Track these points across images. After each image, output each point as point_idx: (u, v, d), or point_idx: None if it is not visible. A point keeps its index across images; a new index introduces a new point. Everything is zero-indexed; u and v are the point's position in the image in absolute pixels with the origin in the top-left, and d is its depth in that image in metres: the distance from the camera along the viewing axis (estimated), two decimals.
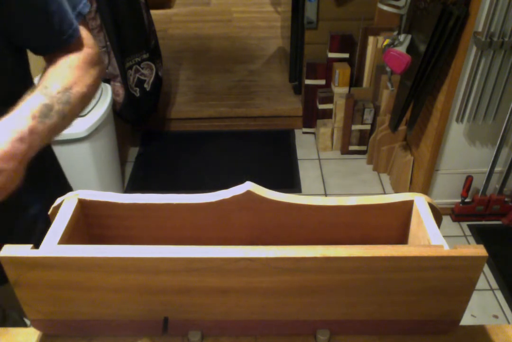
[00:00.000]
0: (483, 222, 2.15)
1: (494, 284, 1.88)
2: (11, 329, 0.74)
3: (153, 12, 2.44)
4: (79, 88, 0.76)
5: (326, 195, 2.33)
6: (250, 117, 2.77)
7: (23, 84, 0.80)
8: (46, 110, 0.70)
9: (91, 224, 0.74)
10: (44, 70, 0.78)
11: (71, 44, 0.78)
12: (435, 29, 1.66)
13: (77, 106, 0.76)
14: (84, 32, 0.81)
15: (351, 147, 2.56)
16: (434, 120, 1.90)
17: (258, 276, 0.64)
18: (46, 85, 0.73)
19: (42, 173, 0.92)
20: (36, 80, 0.81)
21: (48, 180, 0.95)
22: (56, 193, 0.76)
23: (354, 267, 0.62)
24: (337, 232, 0.76)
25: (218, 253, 0.62)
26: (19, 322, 1.15)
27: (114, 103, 2.20)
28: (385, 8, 1.75)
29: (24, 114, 0.67)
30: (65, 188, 1.02)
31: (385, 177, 2.44)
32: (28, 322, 1.06)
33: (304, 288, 0.65)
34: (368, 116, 2.40)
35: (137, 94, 2.35)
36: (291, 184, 2.40)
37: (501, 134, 1.87)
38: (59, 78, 0.75)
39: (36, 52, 0.81)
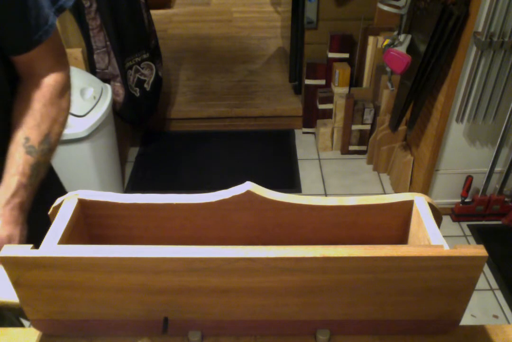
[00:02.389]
0: (483, 222, 2.15)
1: (494, 284, 1.88)
2: (11, 329, 0.74)
3: (153, 12, 2.44)
4: (56, 130, 0.81)
5: (326, 195, 2.33)
6: (250, 117, 2.77)
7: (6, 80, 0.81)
8: (35, 170, 0.76)
9: (91, 224, 0.74)
10: (19, 95, 0.79)
11: (44, 63, 0.79)
12: (435, 29, 1.66)
13: (56, 144, 0.82)
14: (56, 43, 0.81)
15: (351, 147, 2.56)
16: (434, 120, 1.90)
17: (258, 276, 0.64)
18: (27, 137, 0.76)
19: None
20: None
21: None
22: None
23: (354, 267, 0.62)
24: (337, 232, 0.76)
25: (218, 253, 0.61)
26: (15, 323, 1.15)
27: (114, 103, 2.19)
28: (385, 8, 1.75)
29: (16, 181, 0.73)
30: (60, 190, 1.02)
31: (385, 177, 2.44)
32: (25, 322, 1.06)
33: (304, 288, 0.65)
34: (368, 116, 2.40)
35: (137, 94, 2.35)
36: (291, 184, 2.40)
37: (501, 134, 1.87)
38: (35, 125, 0.78)
39: (8, 51, 0.79)
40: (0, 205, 0.71)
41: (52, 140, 0.80)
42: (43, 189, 0.93)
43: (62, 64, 0.82)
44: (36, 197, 0.87)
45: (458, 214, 2.13)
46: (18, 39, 0.77)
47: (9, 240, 0.70)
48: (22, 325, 1.08)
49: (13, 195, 0.72)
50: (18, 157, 0.75)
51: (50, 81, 0.81)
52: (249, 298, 0.67)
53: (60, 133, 0.82)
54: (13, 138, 0.77)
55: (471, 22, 1.61)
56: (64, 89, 0.83)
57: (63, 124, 0.84)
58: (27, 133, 0.77)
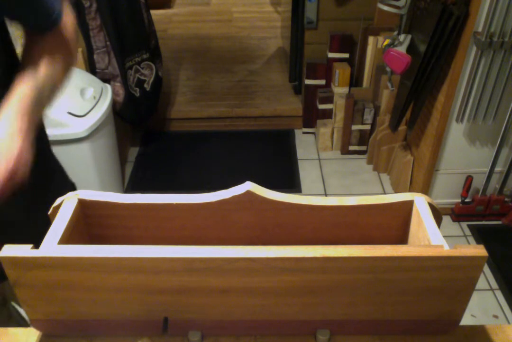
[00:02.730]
0: (483, 222, 2.15)
1: (494, 284, 1.88)
2: (11, 329, 0.74)
3: (153, 12, 2.44)
4: (63, 64, 0.81)
5: (326, 195, 2.33)
6: (250, 117, 2.77)
7: (4, 53, 0.82)
8: (41, 91, 0.75)
9: (91, 224, 0.74)
10: (26, 46, 0.80)
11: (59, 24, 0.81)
12: (435, 29, 1.66)
13: (61, 79, 0.82)
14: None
15: (351, 147, 2.56)
16: (434, 120, 1.90)
17: (258, 276, 0.64)
18: (35, 66, 0.77)
19: (47, 175, 0.93)
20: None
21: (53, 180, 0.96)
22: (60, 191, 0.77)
23: (354, 267, 0.62)
24: (337, 232, 0.76)
25: (218, 253, 0.62)
26: (21, 323, 1.16)
27: (114, 103, 2.19)
28: (385, 8, 1.75)
29: (21, 98, 0.72)
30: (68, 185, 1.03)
31: (385, 177, 2.44)
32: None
33: (304, 288, 0.65)
34: (368, 116, 2.40)
35: (137, 94, 2.35)
36: (291, 184, 2.40)
37: (501, 134, 1.87)
38: (43, 60, 0.78)
39: (33, 31, 0.81)
40: (13, 112, 0.70)
41: (57, 71, 0.80)
42: (47, 178, 0.93)
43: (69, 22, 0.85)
44: (40, 186, 0.87)
45: (458, 214, 2.13)
46: (42, 18, 0.79)
47: (11, 136, 0.68)
48: (27, 324, 1.08)
49: (22, 103, 0.72)
50: (26, 77, 0.75)
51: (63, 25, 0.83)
52: (249, 298, 0.67)
53: (66, 68, 0.83)
54: (22, 66, 0.78)
55: (471, 22, 1.61)
56: (73, 36, 0.85)
57: (70, 63, 0.85)
58: (35, 65, 0.78)
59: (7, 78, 0.77)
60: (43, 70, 0.77)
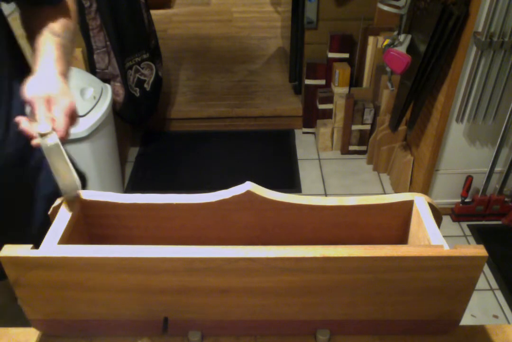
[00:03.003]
0: (483, 222, 2.15)
1: (494, 284, 1.88)
2: (11, 329, 0.74)
3: (153, 12, 2.44)
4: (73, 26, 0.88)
5: (326, 195, 2.33)
6: (250, 117, 2.77)
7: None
8: (66, 48, 0.82)
9: (91, 224, 0.74)
10: (30, 18, 0.85)
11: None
12: (435, 29, 1.66)
13: (74, 37, 0.89)
14: None
15: (351, 147, 2.56)
16: (434, 120, 1.90)
17: (258, 276, 0.64)
18: (52, 28, 0.83)
19: None
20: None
21: None
22: None
23: (354, 267, 0.62)
24: (337, 232, 0.76)
25: (218, 253, 0.62)
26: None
27: (114, 103, 2.19)
28: (385, 8, 1.75)
29: (52, 55, 0.78)
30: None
31: (385, 177, 2.44)
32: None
33: (304, 288, 0.65)
34: (368, 116, 2.40)
35: (137, 94, 2.35)
36: (291, 184, 2.40)
37: (501, 134, 1.87)
38: (58, 22, 0.85)
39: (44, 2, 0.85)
40: (46, 67, 0.76)
41: (71, 31, 0.87)
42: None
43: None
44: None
45: (458, 214, 2.13)
46: None
47: (64, 92, 0.73)
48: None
49: (56, 62, 0.77)
50: (50, 40, 0.80)
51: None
52: (249, 298, 0.67)
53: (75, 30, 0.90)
54: (38, 33, 0.82)
55: (471, 22, 1.61)
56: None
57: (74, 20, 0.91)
58: (50, 27, 0.83)
59: (15, 73, 0.79)
60: (61, 30, 0.83)
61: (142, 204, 0.71)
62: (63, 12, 0.86)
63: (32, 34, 0.83)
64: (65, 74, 0.78)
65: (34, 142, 0.66)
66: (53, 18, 0.84)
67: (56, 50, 0.79)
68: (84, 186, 0.99)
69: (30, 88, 0.71)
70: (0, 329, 0.74)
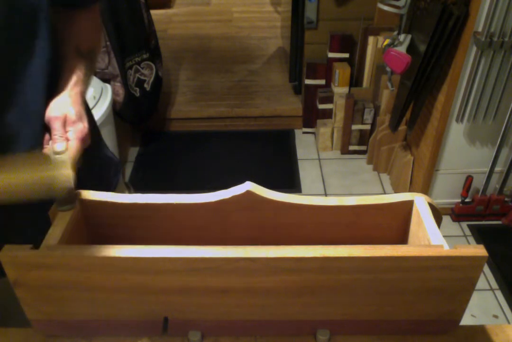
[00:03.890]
0: (483, 222, 2.15)
1: (494, 284, 1.88)
2: (11, 329, 0.74)
3: (153, 12, 2.44)
4: (97, 43, 0.93)
5: (326, 195, 2.33)
6: (250, 117, 2.77)
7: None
8: (89, 72, 0.86)
9: (91, 224, 0.74)
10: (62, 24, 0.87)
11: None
12: (435, 29, 1.66)
13: (97, 54, 0.94)
14: None
15: (351, 147, 2.56)
16: (434, 120, 1.90)
17: (258, 276, 0.64)
18: (77, 46, 0.86)
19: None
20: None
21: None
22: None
23: (354, 267, 0.62)
24: (337, 232, 0.76)
25: (218, 253, 0.61)
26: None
27: (114, 103, 2.19)
28: (385, 8, 1.75)
29: (75, 75, 0.82)
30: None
31: (385, 177, 2.44)
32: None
33: (304, 288, 0.65)
34: (368, 116, 2.40)
35: (137, 94, 2.35)
36: (291, 184, 2.40)
37: (501, 134, 1.87)
38: (83, 38, 0.88)
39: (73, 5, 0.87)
40: (66, 89, 0.79)
41: (96, 49, 0.92)
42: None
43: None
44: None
45: (458, 214, 2.13)
46: None
47: (80, 116, 0.76)
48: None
49: (75, 84, 0.81)
50: (72, 59, 0.84)
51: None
52: (249, 298, 0.67)
53: (99, 46, 0.96)
54: (66, 46, 0.86)
55: (471, 22, 1.61)
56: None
57: (100, 41, 0.98)
58: (76, 43, 0.86)
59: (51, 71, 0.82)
60: (86, 50, 0.87)
61: (142, 204, 0.71)
62: (93, 20, 0.90)
63: (57, 37, 0.85)
64: (83, 95, 0.82)
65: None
66: (83, 29, 0.87)
67: (79, 71, 0.83)
68: (117, 172, 1.07)
69: (52, 109, 0.76)
70: (0, 329, 0.74)
